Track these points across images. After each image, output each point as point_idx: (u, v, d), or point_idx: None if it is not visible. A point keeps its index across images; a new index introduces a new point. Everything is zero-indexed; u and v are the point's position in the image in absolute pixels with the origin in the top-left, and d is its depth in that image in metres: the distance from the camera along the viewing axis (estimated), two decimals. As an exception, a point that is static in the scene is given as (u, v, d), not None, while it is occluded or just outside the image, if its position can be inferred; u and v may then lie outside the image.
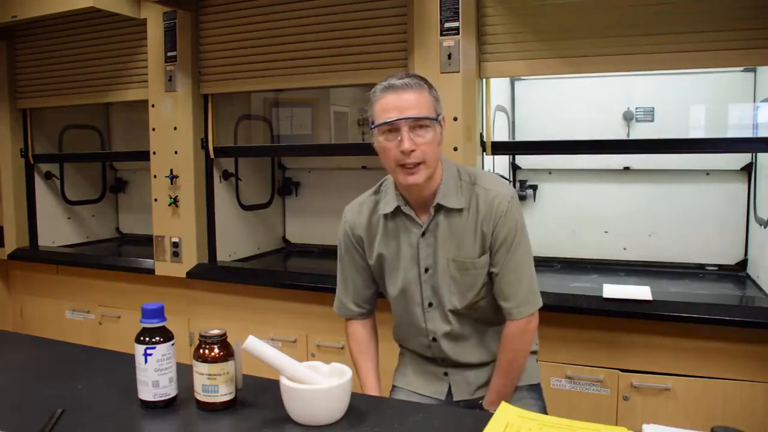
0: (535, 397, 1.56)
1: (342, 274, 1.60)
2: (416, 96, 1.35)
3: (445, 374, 1.56)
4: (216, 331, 1.16)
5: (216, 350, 1.15)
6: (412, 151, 1.33)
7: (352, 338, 1.62)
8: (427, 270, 1.48)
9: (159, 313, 1.16)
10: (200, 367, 1.15)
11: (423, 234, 1.46)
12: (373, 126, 1.38)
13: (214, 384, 1.15)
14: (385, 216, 1.49)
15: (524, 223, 1.48)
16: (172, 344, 1.17)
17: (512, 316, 1.45)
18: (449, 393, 1.55)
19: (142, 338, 1.15)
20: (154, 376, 1.15)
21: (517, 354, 1.48)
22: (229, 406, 1.16)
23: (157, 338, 1.15)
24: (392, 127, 1.35)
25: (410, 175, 1.36)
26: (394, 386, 1.64)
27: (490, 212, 1.42)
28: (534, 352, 1.63)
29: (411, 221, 1.47)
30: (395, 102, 1.34)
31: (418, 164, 1.35)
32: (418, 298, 1.51)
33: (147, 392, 1.15)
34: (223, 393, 1.15)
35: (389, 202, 1.48)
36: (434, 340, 1.52)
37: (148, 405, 1.16)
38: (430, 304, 1.50)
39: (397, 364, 1.68)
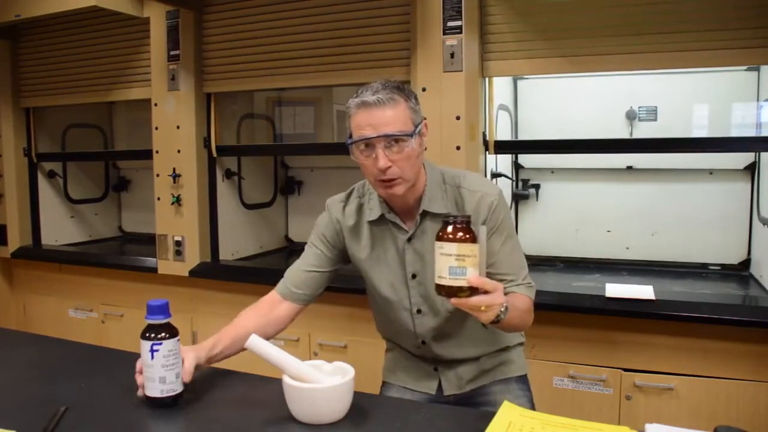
0: (523, 389, 1.58)
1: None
2: (391, 112, 1.31)
3: (435, 369, 1.56)
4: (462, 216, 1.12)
5: (461, 232, 1.09)
6: (389, 167, 1.32)
7: (254, 304, 1.50)
8: (414, 276, 1.46)
9: (164, 310, 1.16)
10: (447, 248, 1.09)
11: (409, 240, 1.45)
12: (349, 141, 1.36)
13: (462, 267, 1.09)
14: (370, 221, 1.48)
15: (513, 223, 1.47)
16: (178, 340, 1.17)
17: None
18: (439, 387, 1.56)
19: (147, 335, 1.15)
20: (161, 371, 1.14)
21: (521, 313, 1.37)
22: (473, 294, 1.11)
23: (163, 334, 1.15)
24: (367, 144, 1.33)
25: (389, 189, 1.35)
26: (384, 382, 1.65)
27: (478, 211, 1.40)
28: (521, 344, 1.63)
29: (396, 227, 1.46)
30: (369, 119, 1.31)
31: (396, 178, 1.34)
32: (406, 304, 1.49)
33: (153, 388, 1.15)
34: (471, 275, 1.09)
35: (374, 209, 1.46)
36: (423, 342, 1.52)
37: (154, 402, 1.16)
38: (419, 311, 1.48)
39: (385, 361, 1.67)
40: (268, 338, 1.37)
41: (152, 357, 1.14)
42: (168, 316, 1.17)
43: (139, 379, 1.18)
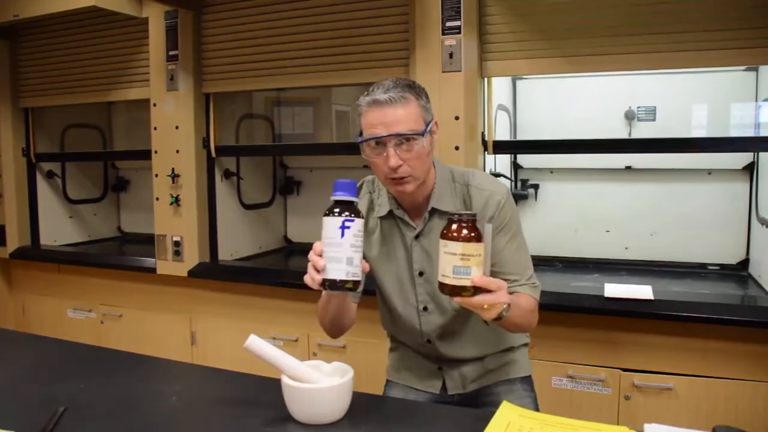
0: (527, 389, 1.58)
1: None
2: (402, 110, 1.31)
3: (440, 369, 1.56)
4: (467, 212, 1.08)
5: (467, 231, 1.06)
6: (399, 166, 1.32)
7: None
8: (421, 273, 1.47)
9: (353, 188, 1.09)
10: (452, 247, 1.05)
11: (416, 237, 1.45)
12: (360, 140, 1.36)
13: (466, 266, 1.05)
14: (380, 217, 1.49)
15: (520, 222, 1.47)
16: (364, 224, 1.09)
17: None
18: (443, 387, 1.56)
19: (337, 211, 1.06)
20: (350, 251, 1.04)
21: (525, 312, 1.37)
22: (476, 293, 1.08)
23: (353, 213, 1.06)
24: (378, 142, 1.33)
25: (399, 186, 1.36)
26: (388, 381, 1.65)
27: (486, 209, 1.40)
28: (525, 345, 1.63)
29: (405, 224, 1.46)
30: (380, 118, 1.31)
31: (407, 176, 1.34)
32: (412, 301, 1.50)
33: (339, 270, 1.05)
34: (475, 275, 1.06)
35: (383, 205, 1.47)
36: (429, 341, 1.52)
37: (335, 285, 1.06)
38: (425, 308, 1.49)
39: (388, 360, 1.68)
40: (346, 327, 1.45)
41: (343, 234, 1.04)
42: (356, 197, 1.09)
43: (319, 262, 1.10)
